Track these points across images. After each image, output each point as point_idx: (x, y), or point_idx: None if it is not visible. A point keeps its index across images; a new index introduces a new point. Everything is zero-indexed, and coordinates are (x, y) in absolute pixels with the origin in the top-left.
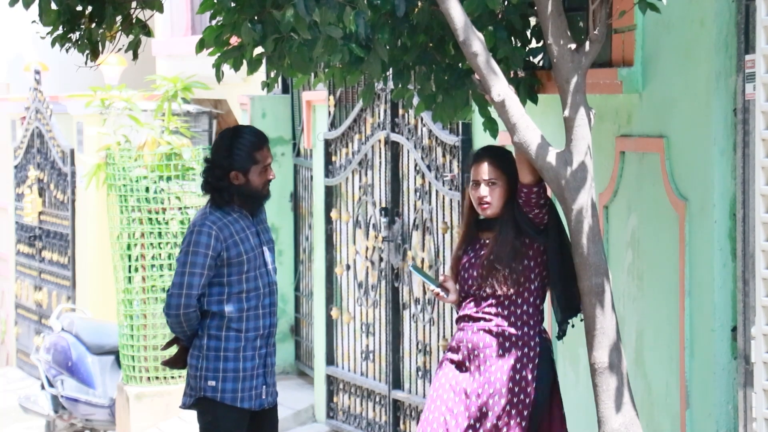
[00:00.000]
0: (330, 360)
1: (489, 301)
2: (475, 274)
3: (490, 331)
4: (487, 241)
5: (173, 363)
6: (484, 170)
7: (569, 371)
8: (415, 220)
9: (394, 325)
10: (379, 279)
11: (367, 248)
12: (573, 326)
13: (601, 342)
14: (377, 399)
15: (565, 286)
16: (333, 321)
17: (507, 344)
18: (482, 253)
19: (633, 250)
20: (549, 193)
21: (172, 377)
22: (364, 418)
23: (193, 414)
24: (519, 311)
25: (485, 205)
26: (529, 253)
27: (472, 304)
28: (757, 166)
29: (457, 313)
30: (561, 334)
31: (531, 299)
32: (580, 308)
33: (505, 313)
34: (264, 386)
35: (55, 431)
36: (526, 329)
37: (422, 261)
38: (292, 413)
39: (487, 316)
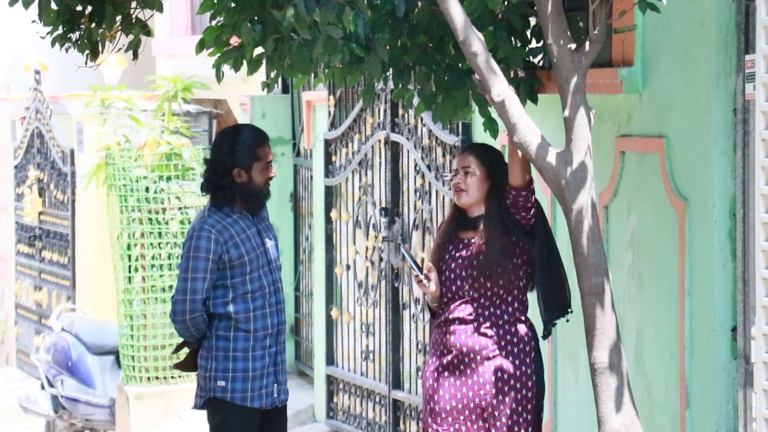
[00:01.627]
0: (330, 360)
1: (480, 302)
2: (464, 274)
3: (485, 333)
4: (472, 240)
5: (185, 366)
6: (464, 159)
7: (569, 371)
8: (415, 220)
9: (394, 325)
10: (379, 279)
11: (367, 248)
12: (555, 325)
13: (601, 342)
14: (377, 399)
15: (551, 286)
16: (333, 321)
17: (503, 343)
18: (467, 252)
19: (633, 250)
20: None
21: (172, 377)
22: (364, 418)
23: (193, 414)
24: (511, 309)
25: (459, 192)
26: (516, 250)
27: (463, 306)
28: (757, 166)
29: (442, 314)
30: (546, 334)
31: (520, 296)
32: (567, 308)
33: (498, 312)
34: (275, 384)
35: (55, 431)
36: (519, 325)
37: (422, 261)
38: (292, 413)
39: (481, 318)
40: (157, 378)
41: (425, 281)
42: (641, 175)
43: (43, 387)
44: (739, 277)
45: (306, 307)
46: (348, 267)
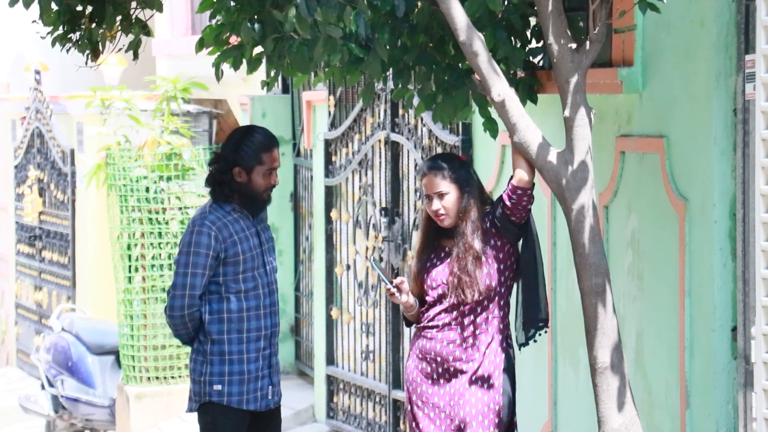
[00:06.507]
0: (330, 360)
1: (459, 310)
2: (444, 281)
3: (454, 341)
4: (452, 249)
5: None
6: (432, 183)
7: (569, 371)
8: (415, 220)
9: (394, 325)
10: (379, 279)
11: (367, 248)
12: (533, 338)
13: (601, 342)
14: (377, 399)
15: (530, 297)
16: (333, 321)
17: (476, 354)
18: (446, 261)
19: (633, 250)
20: None
21: (173, 377)
22: (364, 418)
23: (193, 414)
24: (485, 322)
25: (442, 217)
26: (497, 259)
27: (443, 314)
28: (757, 166)
29: (422, 318)
30: (521, 344)
31: (500, 304)
32: (540, 323)
33: (475, 322)
34: (270, 386)
35: (55, 431)
36: (493, 337)
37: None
38: (292, 413)
39: (459, 327)
40: (157, 378)
41: (397, 293)
42: (641, 175)
43: (43, 387)
44: (739, 277)
45: (306, 307)
46: (348, 267)
